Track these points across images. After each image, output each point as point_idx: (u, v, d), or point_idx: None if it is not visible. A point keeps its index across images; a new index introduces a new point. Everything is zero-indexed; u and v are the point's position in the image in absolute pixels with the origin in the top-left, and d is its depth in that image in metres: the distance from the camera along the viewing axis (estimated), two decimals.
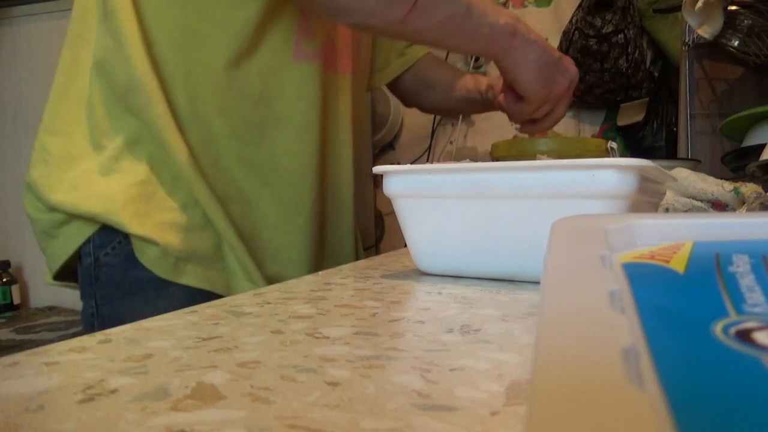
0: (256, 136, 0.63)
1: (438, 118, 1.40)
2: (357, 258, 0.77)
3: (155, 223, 0.57)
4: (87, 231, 0.58)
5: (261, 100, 0.62)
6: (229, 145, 0.62)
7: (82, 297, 0.61)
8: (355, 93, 0.75)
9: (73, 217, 0.58)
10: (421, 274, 0.40)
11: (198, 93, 0.60)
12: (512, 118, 0.75)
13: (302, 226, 0.67)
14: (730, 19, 0.87)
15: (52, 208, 0.58)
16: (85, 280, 0.59)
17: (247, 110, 0.61)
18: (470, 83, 0.84)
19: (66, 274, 0.63)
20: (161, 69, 0.59)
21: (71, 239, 0.59)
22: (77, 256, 0.60)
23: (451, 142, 1.39)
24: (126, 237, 0.57)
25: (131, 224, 0.56)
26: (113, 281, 0.58)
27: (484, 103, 0.83)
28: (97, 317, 0.59)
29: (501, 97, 0.73)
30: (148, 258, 0.57)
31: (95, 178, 0.58)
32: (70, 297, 1.87)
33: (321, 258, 0.72)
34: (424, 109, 0.95)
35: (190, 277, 0.59)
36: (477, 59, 1.34)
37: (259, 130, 0.63)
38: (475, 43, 0.59)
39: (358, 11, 0.54)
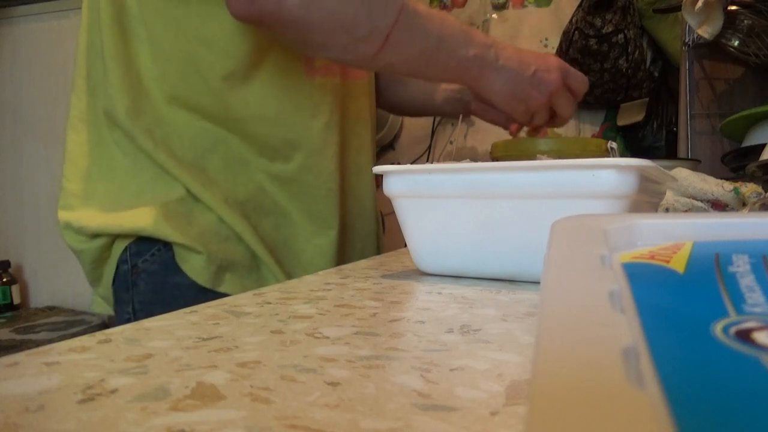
0: (280, 155, 0.63)
1: (438, 117, 1.40)
2: None
3: (197, 232, 0.58)
4: (125, 242, 0.59)
5: (278, 121, 0.62)
6: (259, 163, 0.63)
7: (117, 303, 0.61)
8: (371, 95, 0.75)
9: (116, 237, 0.59)
10: (421, 274, 0.40)
11: (216, 120, 0.60)
12: (512, 130, 0.77)
13: (333, 238, 0.67)
14: (730, 19, 0.87)
15: (95, 235, 0.59)
16: (121, 286, 0.60)
17: (266, 132, 0.62)
18: (445, 85, 0.83)
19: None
20: (168, 106, 0.59)
21: (118, 255, 0.60)
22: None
23: (451, 142, 1.39)
24: (166, 245, 0.58)
25: (175, 234, 0.57)
26: (152, 288, 0.59)
27: (462, 108, 0.82)
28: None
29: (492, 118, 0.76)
30: (190, 266, 0.58)
31: (132, 201, 0.59)
32: (70, 297, 1.87)
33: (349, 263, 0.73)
34: (392, 107, 0.90)
35: (228, 286, 0.60)
36: None
37: (281, 151, 0.63)
38: (445, 74, 0.62)
39: (331, 48, 0.55)
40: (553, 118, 0.72)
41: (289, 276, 0.64)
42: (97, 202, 0.60)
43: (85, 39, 0.62)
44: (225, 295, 0.58)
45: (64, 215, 0.61)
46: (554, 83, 0.66)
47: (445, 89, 0.83)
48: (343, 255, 0.71)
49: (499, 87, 0.63)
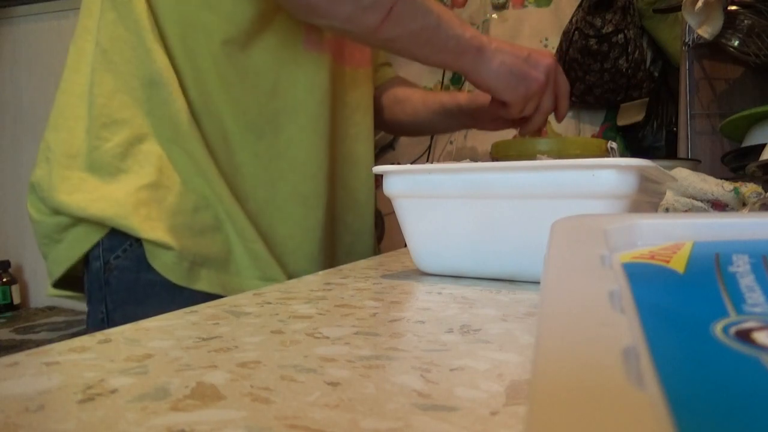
0: (271, 128, 0.62)
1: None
2: None
3: (168, 226, 0.56)
4: (95, 235, 0.56)
5: (274, 92, 0.62)
6: (244, 141, 0.61)
7: (90, 302, 0.59)
8: (371, 84, 0.75)
9: (79, 220, 0.56)
10: (421, 274, 0.40)
11: (208, 88, 0.59)
12: (503, 126, 0.77)
13: (321, 221, 0.66)
14: (730, 19, 0.87)
15: (57, 211, 0.56)
16: (93, 284, 0.58)
17: (261, 104, 0.61)
18: (446, 97, 0.84)
19: (67, 282, 0.61)
20: (174, 63, 0.58)
21: (77, 244, 0.57)
22: (84, 260, 0.58)
23: (451, 142, 1.39)
24: (137, 240, 0.55)
25: (143, 228, 0.54)
26: (124, 285, 0.57)
27: (462, 117, 0.82)
28: (108, 323, 0.57)
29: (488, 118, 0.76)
30: (161, 263, 0.55)
31: (100, 179, 0.56)
32: None
33: (336, 256, 0.72)
34: (392, 128, 0.90)
35: (205, 283, 0.57)
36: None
37: (273, 123, 0.62)
38: (443, 54, 0.62)
39: (335, 16, 0.55)
40: (528, 120, 0.72)
41: (278, 265, 0.62)
42: (55, 158, 0.57)
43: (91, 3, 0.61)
44: (201, 292, 0.57)
45: (33, 175, 0.58)
46: (551, 65, 0.67)
47: (441, 107, 0.83)
48: (331, 246, 0.70)
49: (497, 67, 0.64)
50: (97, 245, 0.57)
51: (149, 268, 0.56)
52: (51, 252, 0.59)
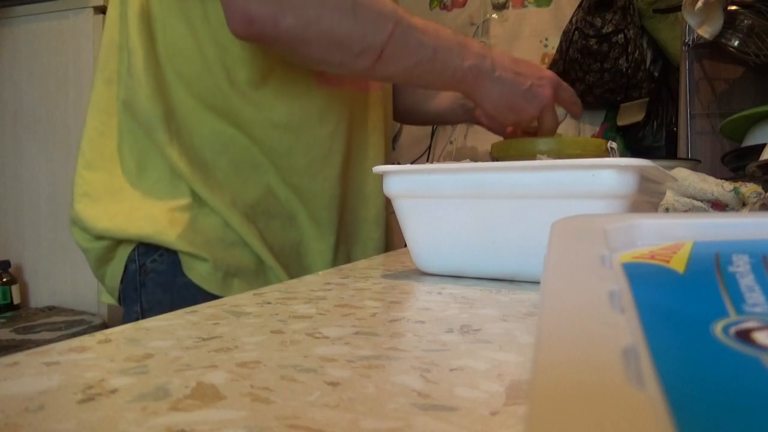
0: (287, 161, 0.64)
1: None
2: None
3: (203, 239, 0.59)
4: (132, 244, 0.60)
5: (288, 127, 0.63)
6: (269, 166, 0.64)
7: (125, 303, 0.62)
8: (386, 106, 0.76)
9: (121, 241, 0.60)
10: (421, 274, 0.40)
11: (227, 122, 0.61)
12: (497, 132, 0.80)
13: (332, 245, 0.68)
14: (730, 19, 0.87)
15: (100, 237, 0.60)
16: (129, 285, 0.61)
17: (275, 138, 0.63)
18: (450, 93, 0.85)
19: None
20: (184, 102, 0.60)
21: (125, 256, 0.61)
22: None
23: (451, 142, 1.39)
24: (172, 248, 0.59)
25: (180, 242, 0.57)
26: (161, 287, 0.59)
27: (464, 115, 0.84)
28: None
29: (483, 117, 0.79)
30: (197, 274, 0.58)
31: (137, 204, 0.60)
32: (70, 297, 1.86)
33: None
34: (398, 114, 0.92)
35: (237, 292, 0.60)
36: None
37: (288, 157, 0.64)
38: (441, 83, 0.63)
39: (329, 63, 0.57)
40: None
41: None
42: (96, 194, 0.61)
43: (112, 29, 0.63)
44: None
45: (74, 209, 0.62)
46: (547, 98, 0.68)
47: (449, 98, 0.85)
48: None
49: (495, 96, 0.65)
50: (133, 250, 0.60)
51: (185, 273, 0.59)
52: (108, 270, 0.63)
